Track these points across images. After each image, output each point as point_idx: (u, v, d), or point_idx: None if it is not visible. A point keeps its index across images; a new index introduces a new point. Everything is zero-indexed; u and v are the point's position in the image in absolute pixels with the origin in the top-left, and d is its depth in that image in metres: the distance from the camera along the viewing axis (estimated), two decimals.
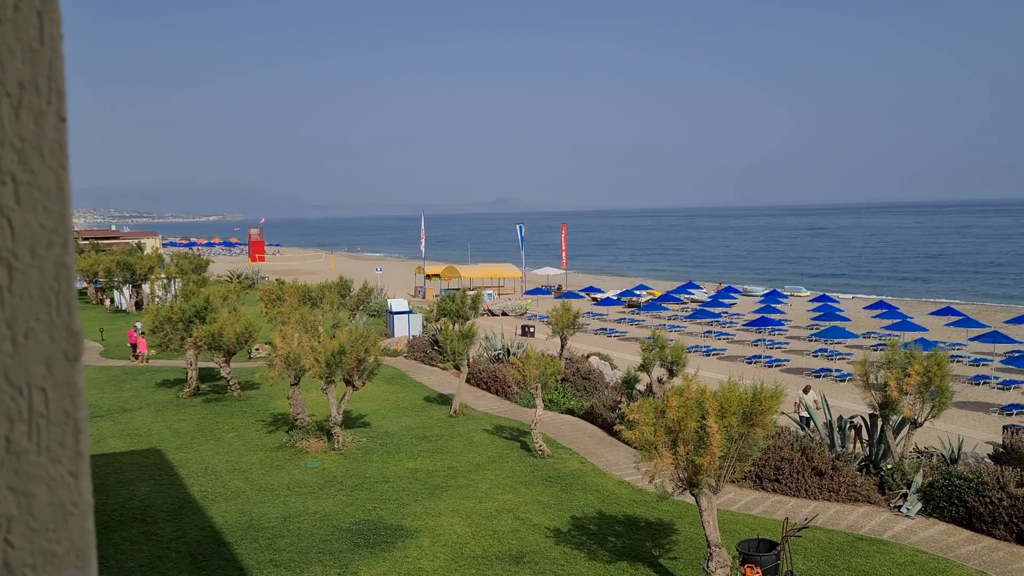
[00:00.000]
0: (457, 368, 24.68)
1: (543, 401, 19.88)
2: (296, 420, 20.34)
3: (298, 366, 19.65)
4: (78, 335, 1.07)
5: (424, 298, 69.24)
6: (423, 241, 79.33)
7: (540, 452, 18.89)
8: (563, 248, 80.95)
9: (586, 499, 15.96)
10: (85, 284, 57.70)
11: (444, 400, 24.83)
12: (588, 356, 30.84)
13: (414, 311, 41.34)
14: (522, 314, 63.21)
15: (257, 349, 31.73)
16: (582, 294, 65.64)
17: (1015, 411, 30.85)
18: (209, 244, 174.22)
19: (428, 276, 77.03)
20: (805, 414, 20.76)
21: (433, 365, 31.52)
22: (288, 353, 19.75)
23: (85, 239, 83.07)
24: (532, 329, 51.54)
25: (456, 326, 28.94)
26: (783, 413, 13.83)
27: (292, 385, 20.20)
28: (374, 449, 19.44)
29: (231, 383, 25.30)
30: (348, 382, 19.45)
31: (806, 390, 21.58)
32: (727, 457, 10.71)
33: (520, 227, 79.83)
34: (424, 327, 38.67)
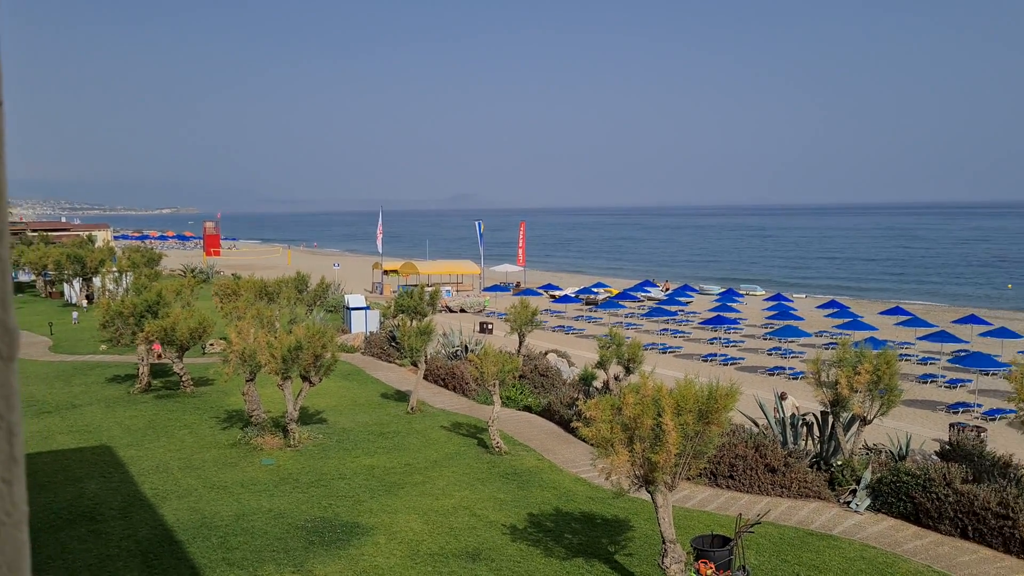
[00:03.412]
0: (415, 365, 24.57)
1: (501, 398, 19.88)
2: (251, 417, 20.09)
3: (254, 362, 19.41)
4: (13, 333, 1.02)
5: (382, 294, 68.84)
6: (380, 237, 78.84)
7: (497, 449, 18.90)
8: (521, 245, 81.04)
9: (543, 496, 16.00)
10: (34, 277, 56.41)
11: (401, 397, 24.72)
12: (546, 353, 30.90)
13: (372, 307, 41.06)
14: (480, 311, 63.14)
15: (212, 345, 31.28)
16: (540, 291, 65.78)
17: (961, 409, 31.60)
18: (162, 237, 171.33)
19: (386, 272, 76.58)
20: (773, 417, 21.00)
21: (390, 361, 31.35)
22: (243, 349, 19.49)
23: (34, 231, 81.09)
24: (490, 326, 51.52)
25: (414, 322, 28.84)
26: (752, 418, 14.00)
27: (247, 381, 19.94)
28: (330, 446, 19.28)
29: (184, 379, 24.91)
30: (305, 378, 19.26)
31: (783, 396, 21.91)
32: (683, 454, 10.81)
33: (479, 224, 79.73)
34: (382, 323, 38.44)
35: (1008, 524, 13.64)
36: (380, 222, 79.01)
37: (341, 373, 26.77)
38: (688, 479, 12.35)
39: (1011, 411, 27.55)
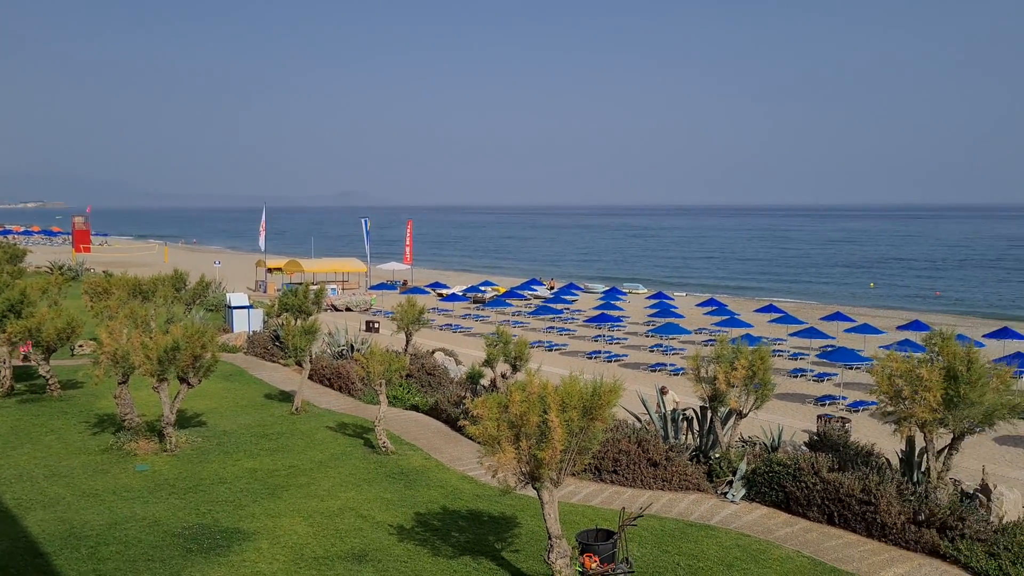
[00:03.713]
0: (299, 364, 24.08)
1: (387, 397, 19.71)
2: (124, 421, 19.21)
3: (127, 363, 18.57)
4: None
5: (265, 292, 67.15)
6: (263, 234, 76.83)
7: (384, 449, 18.74)
8: (409, 243, 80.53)
9: (430, 495, 15.96)
10: None
11: (285, 397, 24.17)
12: (433, 352, 30.82)
13: (255, 306, 40.01)
14: (367, 309, 62.45)
15: (81, 346, 29.79)
16: (428, 290, 65.54)
17: (828, 402, 33.31)
18: (27, 232, 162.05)
19: (269, 270, 74.74)
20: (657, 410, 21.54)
21: (274, 361, 30.64)
22: (116, 350, 18.62)
23: None
24: (377, 325, 51.04)
25: (298, 321, 28.24)
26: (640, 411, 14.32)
27: (120, 383, 19.06)
28: (210, 449, 18.66)
29: (50, 382, 23.61)
30: (183, 380, 18.57)
31: (664, 391, 22.53)
32: (568, 450, 10.98)
33: (365, 221, 78.71)
34: (265, 322, 37.52)
35: (870, 509, 14.47)
36: (263, 219, 76.98)
37: (222, 374, 25.95)
38: (573, 475, 12.57)
39: (873, 403, 29.22)
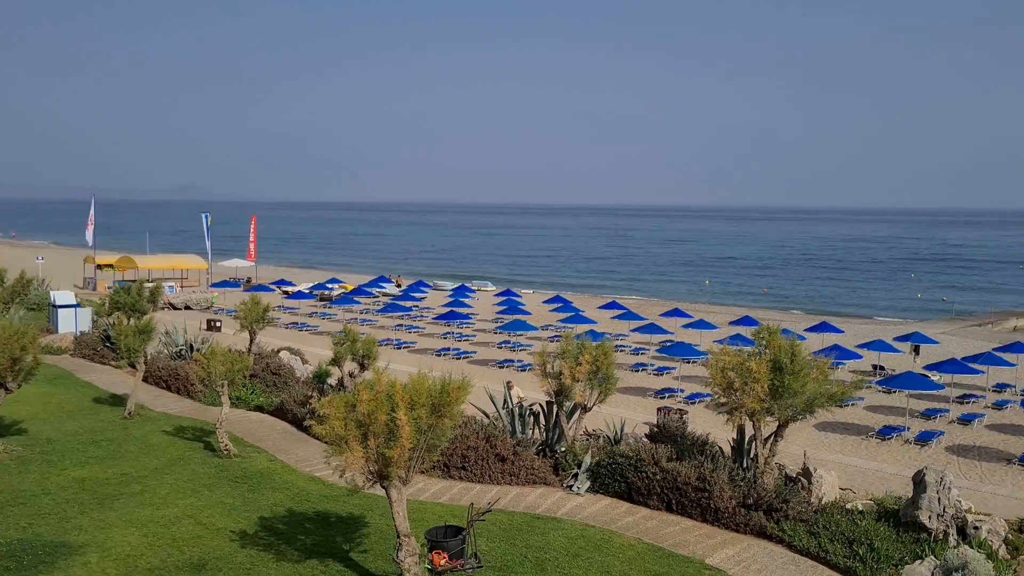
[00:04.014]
0: (133, 366, 22.84)
1: (230, 398, 19.03)
2: None
3: None
4: None
5: (95, 290, 63.28)
6: (91, 228, 72.34)
7: (226, 452, 18.07)
8: (252, 239, 77.97)
9: (275, 498, 15.53)
10: None
11: (117, 401, 22.86)
12: (278, 351, 29.99)
13: (82, 304, 37.63)
14: (208, 308, 60.07)
15: None
16: (273, 287, 63.65)
17: (667, 394, 34.79)
18: None
19: (100, 266, 70.45)
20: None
21: (105, 363, 28.94)
22: None
23: None
24: (219, 323, 49.24)
25: (132, 321, 26.76)
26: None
27: None
28: (32, 459, 17.39)
29: None
30: (0, 385, 17.23)
31: (510, 387, 22.81)
32: (416, 448, 10.96)
33: (206, 216, 75.49)
34: (95, 322, 35.38)
35: (705, 496, 15.25)
36: (92, 212, 72.43)
37: (46, 377, 24.24)
38: (422, 472, 12.56)
39: (708, 395, 30.76)
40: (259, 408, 23.34)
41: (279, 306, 60.86)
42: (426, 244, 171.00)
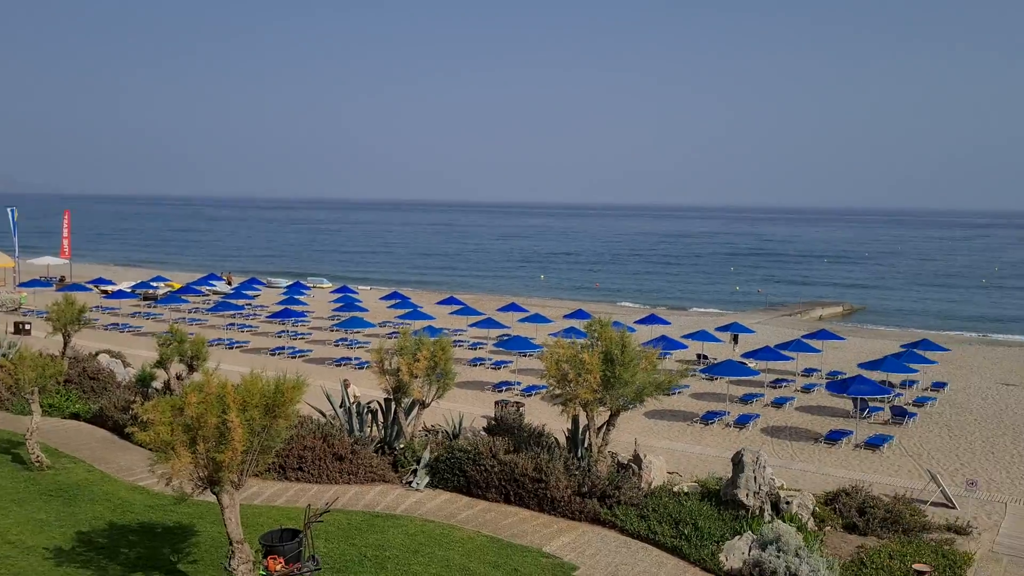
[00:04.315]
0: None
1: (42, 406, 17.72)
2: None
3: None
4: None
5: None
6: None
7: (38, 464, 16.82)
8: (66, 235, 72.85)
9: (94, 511, 14.59)
10: None
11: None
12: (97, 354, 28.19)
13: None
14: (15, 309, 55.70)
15: None
16: (90, 286, 59.62)
17: (505, 388, 35.33)
18: None
19: None
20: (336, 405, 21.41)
21: None
22: None
23: None
24: (28, 326, 45.83)
25: None
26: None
27: None
28: None
29: None
30: None
31: (347, 385, 22.43)
32: (250, 451, 10.62)
33: (12, 211, 69.71)
34: None
35: (542, 486, 15.64)
36: None
37: None
38: (256, 475, 12.20)
39: (544, 387, 31.51)
40: (75, 416, 21.90)
41: (97, 306, 57.23)
42: (261, 241, 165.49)
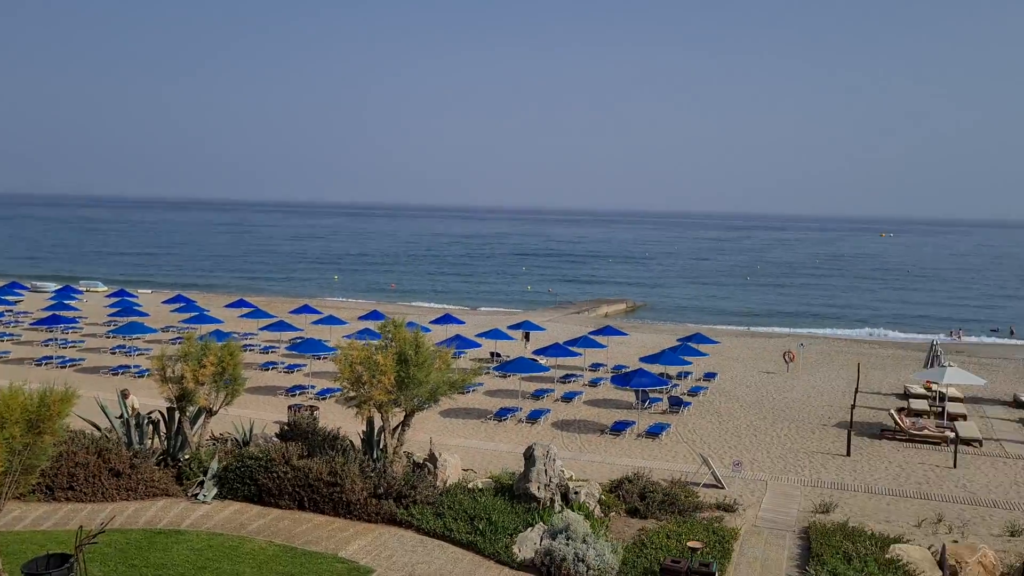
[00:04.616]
0: None
1: None
2: None
3: None
4: None
5: None
6: None
7: None
8: None
9: None
10: None
11: None
12: None
13: None
14: None
15: None
16: None
17: (298, 392, 34.46)
18: None
19: None
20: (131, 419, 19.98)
21: None
22: None
23: None
24: None
25: None
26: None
27: None
28: None
29: None
30: None
31: (125, 395, 20.94)
32: (9, 472, 9.74)
33: None
34: None
35: (337, 490, 15.42)
36: None
37: None
38: (18, 497, 11.19)
39: (338, 389, 31.03)
40: None
41: None
42: (27, 241, 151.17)
